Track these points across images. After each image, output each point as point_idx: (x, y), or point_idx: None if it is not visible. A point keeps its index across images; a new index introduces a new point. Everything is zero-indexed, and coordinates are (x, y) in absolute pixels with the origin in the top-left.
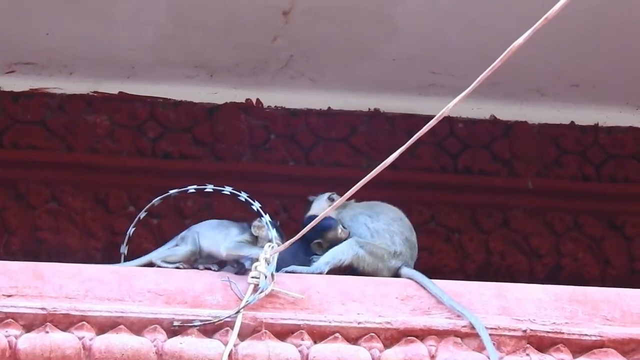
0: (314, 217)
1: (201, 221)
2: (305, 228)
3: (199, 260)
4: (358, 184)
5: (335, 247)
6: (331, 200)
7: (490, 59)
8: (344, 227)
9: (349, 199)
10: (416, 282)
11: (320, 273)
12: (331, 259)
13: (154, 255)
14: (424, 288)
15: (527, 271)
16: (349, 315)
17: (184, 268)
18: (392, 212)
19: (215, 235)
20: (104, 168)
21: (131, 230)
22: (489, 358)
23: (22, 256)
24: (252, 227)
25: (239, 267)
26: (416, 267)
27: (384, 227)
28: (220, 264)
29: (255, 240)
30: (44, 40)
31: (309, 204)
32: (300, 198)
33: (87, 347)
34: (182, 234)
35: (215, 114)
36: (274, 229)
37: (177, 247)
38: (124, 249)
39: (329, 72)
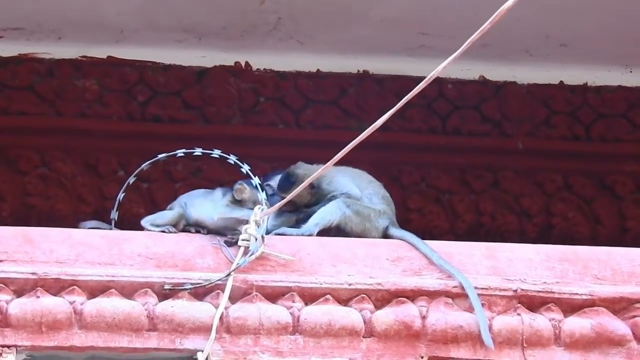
0: (288, 173)
1: (191, 184)
2: (298, 188)
3: (187, 227)
4: (348, 145)
5: (323, 208)
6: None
7: (478, 19)
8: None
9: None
10: (407, 242)
11: (310, 235)
12: (320, 220)
13: (143, 220)
14: (415, 248)
15: (517, 231)
16: (340, 276)
17: (170, 232)
18: (362, 175)
19: (203, 203)
20: (93, 133)
21: (121, 195)
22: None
23: (12, 222)
24: (234, 191)
25: (232, 234)
26: (407, 229)
27: (361, 188)
28: (209, 233)
29: (239, 204)
30: (31, 5)
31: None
32: (290, 160)
33: (78, 311)
34: (170, 204)
35: (204, 78)
36: (263, 191)
37: (165, 211)
38: (114, 215)
39: (318, 35)
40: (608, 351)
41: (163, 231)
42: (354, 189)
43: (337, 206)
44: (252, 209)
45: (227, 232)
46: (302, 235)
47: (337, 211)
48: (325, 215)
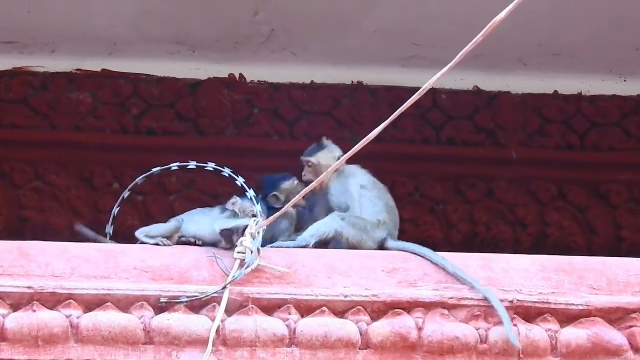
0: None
1: (185, 196)
2: (296, 198)
3: (182, 239)
4: (343, 157)
5: (319, 221)
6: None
7: (471, 29)
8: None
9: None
10: (412, 253)
11: (307, 246)
12: (316, 232)
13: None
14: (425, 258)
15: (512, 241)
16: (336, 288)
17: (164, 244)
18: (375, 182)
19: (202, 219)
20: (88, 146)
21: (116, 210)
22: (476, 330)
23: (6, 235)
24: (228, 205)
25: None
26: (402, 240)
27: (370, 195)
28: (204, 245)
29: (235, 216)
30: (25, 19)
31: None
32: (285, 172)
33: (74, 325)
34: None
35: (198, 90)
36: (258, 204)
37: (160, 223)
38: (109, 229)
39: (311, 46)
40: None
41: (157, 244)
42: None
43: (332, 219)
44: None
45: (222, 246)
46: (298, 247)
47: (333, 223)
48: (320, 227)
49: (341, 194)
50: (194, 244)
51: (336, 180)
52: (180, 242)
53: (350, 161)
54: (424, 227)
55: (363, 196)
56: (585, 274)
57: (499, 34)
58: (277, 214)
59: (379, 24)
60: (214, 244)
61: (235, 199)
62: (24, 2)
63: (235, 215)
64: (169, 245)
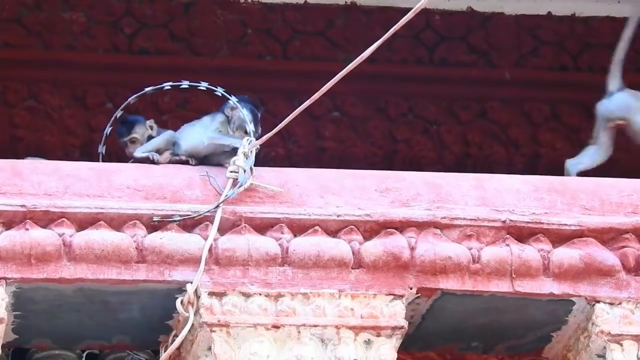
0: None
1: (178, 116)
2: (288, 118)
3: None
4: (335, 77)
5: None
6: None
7: None
8: None
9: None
10: None
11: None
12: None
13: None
14: None
15: (505, 162)
16: (328, 208)
17: (154, 159)
18: None
19: (191, 130)
20: (81, 65)
21: (108, 129)
22: (469, 249)
23: None
24: (224, 109)
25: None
26: (395, 159)
27: None
28: (200, 164)
29: (227, 123)
30: None
31: None
32: (278, 92)
33: (67, 243)
34: None
35: (191, 9)
36: (251, 123)
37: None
38: (101, 149)
39: None
40: (597, 281)
41: (148, 157)
42: None
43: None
44: (240, 138)
45: (214, 162)
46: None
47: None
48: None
49: None
50: (187, 163)
51: None
52: (173, 161)
53: (342, 81)
54: (417, 147)
55: None
56: (577, 194)
57: None
58: (269, 134)
59: None
60: (205, 158)
61: (234, 105)
62: None
63: (227, 119)
64: (158, 162)
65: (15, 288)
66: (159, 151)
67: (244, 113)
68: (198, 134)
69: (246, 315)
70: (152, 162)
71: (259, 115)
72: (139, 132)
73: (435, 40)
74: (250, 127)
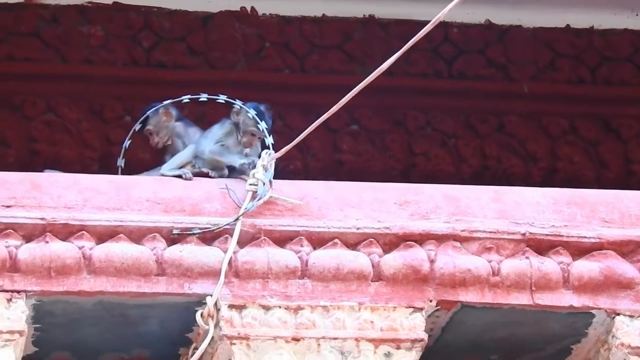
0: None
1: None
2: (305, 131)
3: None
4: (353, 90)
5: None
6: None
7: None
8: None
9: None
10: None
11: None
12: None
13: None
14: None
15: (523, 175)
16: (348, 221)
17: (185, 176)
18: None
19: (202, 138)
20: (98, 79)
21: (127, 143)
22: (488, 262)
23: (17, 168)
24: (231, 115)
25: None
26: (413, 173)
27: None
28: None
29: (236, 129)
30: None
31: None
32: (295, 105)
33: (87, 256)
34: None
35: (209, 23)
36: (270, 135)
37: (179, 153)
38: (120, 162)
39: None
40: (617, 294)
41: (179, 175)
42: None
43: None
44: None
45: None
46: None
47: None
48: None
49: None
50: (207, 176)
51: None
52: (193, 174)
53: (360, 94)
54: (435, 160)
55: None
56: (597, 207)
57: None
58: (287, 147)
59: None
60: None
61: (238, 108)
62: None
63: (236, 126)
64: (190, 178)
65: (35, 301)
66: (183, 166)
67: (262, 127)
68: (204, 144)
69: (266, 327)
70: (185, 179)
71: (269, 116)
72: (153, 123)
73: (453, 53)
74: (269, 140)
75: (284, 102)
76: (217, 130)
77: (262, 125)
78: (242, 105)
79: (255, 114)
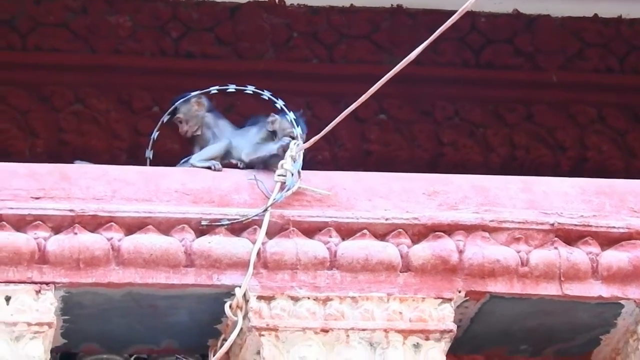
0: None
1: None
2: (334, 122)
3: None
4: (381, 80)
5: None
6: None
7: None
8: None
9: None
10: None
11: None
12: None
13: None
14: None
15: (552, 165)
16: (376, 211)
17: (215, 168)
18: None
19: (239, 141)
20: (127, 69)
21: (155, 134)
22: (517, 252)
23: (46, 158)
24: (266, 124)
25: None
26: (441, 162)
27: None
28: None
29: (271, 139)
30: None
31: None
32: (324, 96)
33: (115, 247)
34: None
35: (237, 13)
36: (298, 126)
37: (211, 145)
38: (149, 154)
39: None
40: None
41: (209, 167)
42: None
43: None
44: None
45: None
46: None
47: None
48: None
49: None
50: (235, 166)
51: None
52: (227, 165)
53: (388, 83)
54: (464, 150)
55: None
56: (626, 197)
57: None
58: (316, 137)
59: None
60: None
61: (274, 117)
62: None
63: (273, 134)
64: (220, 169)
65: (64, 292)
66: (214, 159)
67: (289, 117)
68: (241, 146)
69: (295, 319)
70: (215, 170)
71: (304, 121)
72: (183, 111)
73: (481, 42)
74: (297, 131)
75: (312, 92)
76: (254, 135)
77: (298, 130)
78: (270, 97)
79: (294, 118)
